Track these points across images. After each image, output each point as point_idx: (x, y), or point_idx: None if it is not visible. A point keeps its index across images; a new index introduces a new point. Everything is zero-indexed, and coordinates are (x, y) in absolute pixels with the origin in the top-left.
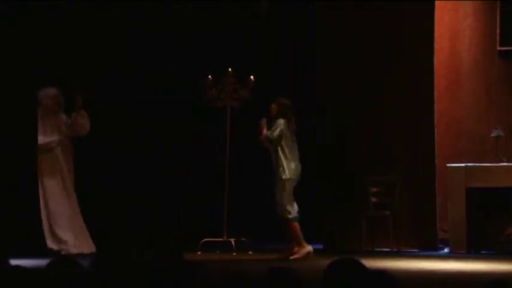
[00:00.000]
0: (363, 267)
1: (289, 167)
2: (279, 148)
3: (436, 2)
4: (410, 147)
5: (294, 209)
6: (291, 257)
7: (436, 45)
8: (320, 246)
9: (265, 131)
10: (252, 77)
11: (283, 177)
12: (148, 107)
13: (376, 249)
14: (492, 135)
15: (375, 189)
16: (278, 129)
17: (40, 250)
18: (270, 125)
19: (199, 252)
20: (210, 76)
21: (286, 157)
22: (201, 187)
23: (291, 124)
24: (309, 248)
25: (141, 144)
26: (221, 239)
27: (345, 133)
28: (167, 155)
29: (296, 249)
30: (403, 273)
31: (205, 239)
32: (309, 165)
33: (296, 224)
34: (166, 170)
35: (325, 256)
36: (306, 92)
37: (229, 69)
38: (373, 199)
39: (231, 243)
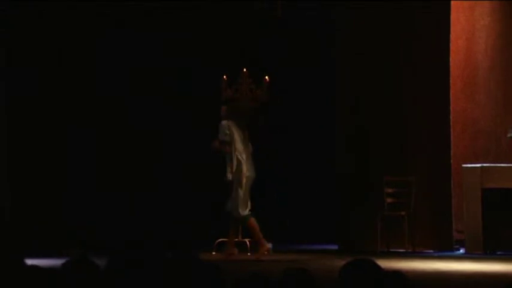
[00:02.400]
0: (378, 268)
1: (244, 166)
2: (232, 149)
3: (452, 2)
4: (426, 148)
5: (246, 207)
6: (231, 258)
7: (452, 46)
8: (335, 247)
9: (214, 143)
10: (267, 77)
11: (243, 175)
12: (161, 107)
13: (391, 250)
14: (508, 135)
15: (390, 190)
16: (223, 133)
17: (55, 250)
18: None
19: (214, 253)
20: (225, 76)
21: (240, 156)
22: (217, 187)
23: (239, 124)
24: (267, 245)
25: (156, 144)
26: (236, 239)
27: (361, 134)
28: (183, 155)
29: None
30: (418, 274)
31: (220, 239)
32: (325, 166)
33: (252, 221)
34: (183, 168)
35: (340, 257)
36: (323, 91)
37: (245, 70)
38: (389, 200)
39: (246, 243)
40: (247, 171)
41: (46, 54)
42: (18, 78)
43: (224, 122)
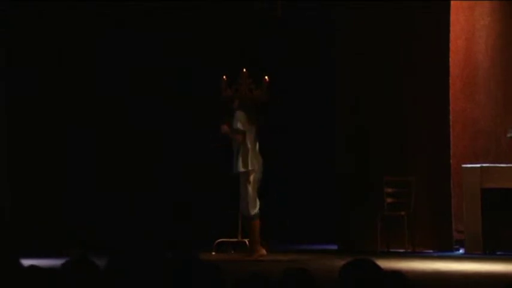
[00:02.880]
0: (378, 268)
1: (252, 160)
2: (244, 140)
3: (452, 2)
4: (426, 148)
5: (256, 206)
6: (246, 258)
7: (452, 46)
8: (335, 247)
9: (226, 128)
10: (266, 77)
11: (249, 168)
12: (161, 107)
13: (391, 250)
14: (508, 135)
15: (390, 190)
16: (238, 121)
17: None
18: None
19: (213, 253)
20: (224, 76)
21: (249, 149)
22: (216, 187)
23: (251, 117)
24: (263, 251)
25: (156, 144)
26: (235, 240)
27: (361, 134)
28: (182, 156)
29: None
30: (418, 274)
31: (220, 240)
32: (325, 166)
33: (257, 222)
34: (183, 168)
35: (340, 257)
36: (323, 91)
37: (244, 70)
38: (389, 200)
39: (245, 243)
40: (252, 165)
41: (46, 54)
42: (18, 78)
43: (239, 112)
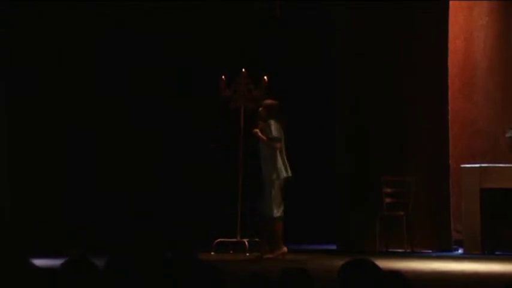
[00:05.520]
0: (377, 268)
1: (281, 167)
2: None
3: (450, 2)
4: (425, 148)
5: (280, 209)
6: (266, 256)
7: (450, 46)
8: (334, 247)
9: (261, 135)
10: (265, 77)
11: (278, 176)
12: (161, 107)
13: (390, 250)
14: (507, 135)
15: (389, 190)
16: (274, 130)
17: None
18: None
19: (212, 253)
20: (223, 76)
21: (281, 157)
22: (215, 187)
23: (281, 122)
24: (284, 248)
25: (156, 144)
26: (234, 240)
27: (361, 134)
28: (182, 156)
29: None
30: (417, 274)
31: (219, 240)
32: (325, 166)
33: (280, 224)
34: (183, 168)
35: (339, 256)
36: (323, 91)
37: (243, 70)
38: (388, 200)
39: (244, 243)
40: (281, 173)
41: (46, 54)
42: (18, 78)
43: (272, 121)
